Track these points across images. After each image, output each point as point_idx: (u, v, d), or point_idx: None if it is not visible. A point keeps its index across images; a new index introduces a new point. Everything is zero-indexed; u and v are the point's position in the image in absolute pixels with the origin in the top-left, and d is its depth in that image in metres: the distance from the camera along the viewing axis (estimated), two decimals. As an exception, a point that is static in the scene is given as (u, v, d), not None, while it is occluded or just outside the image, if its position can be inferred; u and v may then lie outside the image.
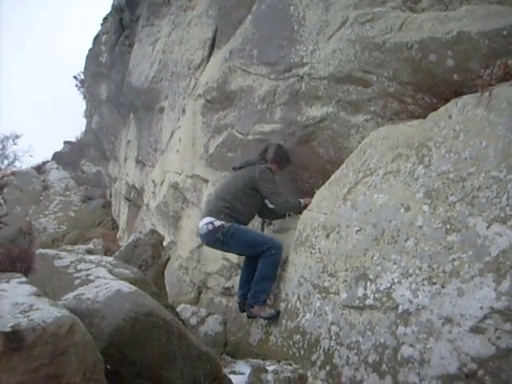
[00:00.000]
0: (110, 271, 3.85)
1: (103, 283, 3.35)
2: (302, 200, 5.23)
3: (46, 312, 2.42)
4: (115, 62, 14.22)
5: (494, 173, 3.09)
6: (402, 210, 3.57)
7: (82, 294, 3.11)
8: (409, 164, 3.76)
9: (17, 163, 35.65)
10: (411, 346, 3.03)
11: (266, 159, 5.51)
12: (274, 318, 4.75)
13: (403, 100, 4.49)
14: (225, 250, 5.55)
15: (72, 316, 2.51)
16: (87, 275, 3.62)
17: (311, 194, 5.07)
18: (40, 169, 29.14)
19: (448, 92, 3.98)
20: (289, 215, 5.30)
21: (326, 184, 4.76)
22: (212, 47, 8.01)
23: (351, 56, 4.76)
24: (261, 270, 4.86)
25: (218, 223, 5.08)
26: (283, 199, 5.25)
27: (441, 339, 2.88)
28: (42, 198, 24.62)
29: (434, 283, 3.06)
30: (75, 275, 3.64)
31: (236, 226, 5.10)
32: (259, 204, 5.44)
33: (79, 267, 3.80)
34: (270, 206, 5.48)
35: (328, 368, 3.69)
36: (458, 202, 3.20)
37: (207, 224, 5.14)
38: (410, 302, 3.15)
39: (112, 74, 14.64)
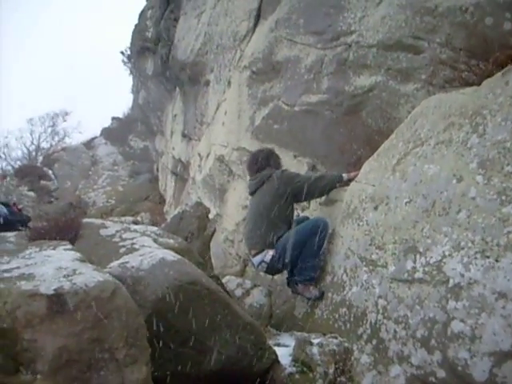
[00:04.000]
0: (155, 240, 3.86)
1: (148, 252, 3.35)
2: (345, 174, 5.09)
3: (89, 276, 2.44)
4: (161, 37, 14.28)
5: (554, 141, 2.93)
6: (454, 181, 3.43)
7: (127, 262, 3.12)
8: (462, 133, 3.60)
9: (67, 139, 36.77)
10: (462, 321, 2.93)
11: (272, 166, 5.35)
12: (317, 300, 4.71)
13: (456, 67, 4.32)
14: (292, 265, 5.05)
15: (114, 281, 2.52)
16: (132, 244, 3.64)
17: (359, 166, 4.95)
18: (89, 144, 29.90)
19: (504, 57, 3.78)
20: (335, 187, 5.17)
21: (375, 155, 4.62)
22: (257, 18, 7.92)
23: (401, 22, 4.60)
24: (308, 247, 4.78)
25: (268, 257, 4.93)
26: (319, 180, 5.11)
27: (494, 315, 2.77)
28: (90, 172, 25.29)
29: (488, 257, 2.94)
30: (120, 244, 3.67)
31: (278, 246, 4.91)
32: (292, 206, 5.25)
33: (124, 236, 3.83)
34: (314, 197, 5.45)
35: (374, 342, 3.62)
36: (515, 173, 3.05)
37: (261, 263, 5.02)
38: (462, 275, 3.03)
39: (158, 49, 14.72)
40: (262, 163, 5.35)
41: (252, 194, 5.38)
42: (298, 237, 4.82)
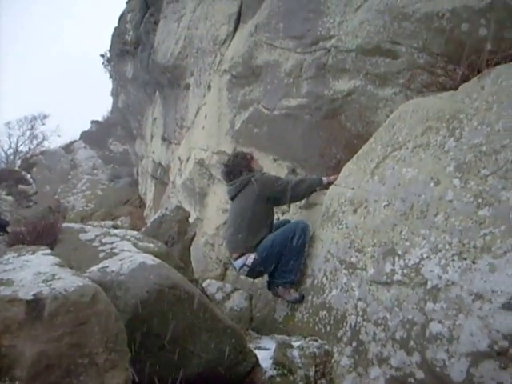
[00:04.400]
0: (135, 245, 3.85)
1: (127, 256, 3.34)
2: (325, 178, 5.16)
3: (68, 281, 2.42)
4: (140, 40, 14.24)
5: (529, 145, 2.98)
6: (432, 184, 3.47)
7: (107, 267, 3.11)
8: (439, 137, 3.65)
9: (45, 143, 36.42)
10: (440, 322, 2.96)
11: (249, 169, 5.41)
12: (297, 302, 4.74)
13: (433, 72, 4.37)
14: (274, 267, 5.06)
15: (94, 285, 2.50)
16: (112, 248, 3.63)
17: (338, 170, 4.98)
18: (68, 148, 29.63)
19: (480, 62, 3.84)
20: (314, 191, 5.22)
21: (354, 159, 4.66)
22: (237, 22, 7.94)
23: (380, 27, 4.64)
24: (288, 250, 4.81)
25: (250, 261, 4.95)
26: (299, 183, 5.18)
27: (471, 316, 2.80)
28: (70, 176, 25.05)
29: (465, 259, 2.98)
30: (100, 248, 3.66)
31: (260, 249, 4.95)
32: (272, 210, 5.33)
33: (104, 241, 3.82)
34: (294, 200, 5.48)
35: (354, 344, 3.64)
36: (491, 176, 3.09)
37: (242, 267, 5.03)
38: (440, 277, 3.06)
39: (137, 52, 14.67)
40: (233, 168, 5.42)
41: (232, 199, 5.39)
42: (278, 240, 4.85)
